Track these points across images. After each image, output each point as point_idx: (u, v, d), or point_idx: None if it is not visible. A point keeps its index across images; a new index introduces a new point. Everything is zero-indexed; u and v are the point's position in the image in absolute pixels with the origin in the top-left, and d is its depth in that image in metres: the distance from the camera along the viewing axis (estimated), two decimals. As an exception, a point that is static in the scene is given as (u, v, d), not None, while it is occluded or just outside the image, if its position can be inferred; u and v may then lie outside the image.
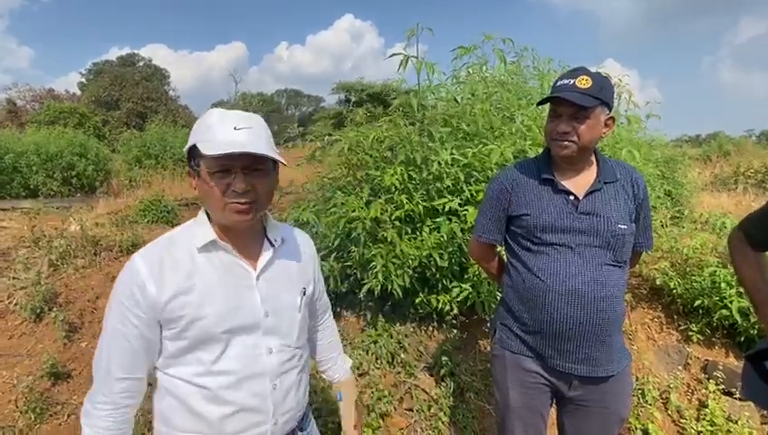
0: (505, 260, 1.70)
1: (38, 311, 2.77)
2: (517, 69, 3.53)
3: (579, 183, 1.49)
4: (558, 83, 1.46)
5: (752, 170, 9.70)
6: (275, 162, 1.05)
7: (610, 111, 1.47)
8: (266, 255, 1.11)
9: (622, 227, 1.44)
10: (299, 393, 1.17)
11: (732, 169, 10.27)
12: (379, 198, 2.72)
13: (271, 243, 1.13)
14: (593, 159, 1.53)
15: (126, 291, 0.99)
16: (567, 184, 1.49)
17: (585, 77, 1.40)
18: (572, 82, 1.41)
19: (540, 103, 1.55)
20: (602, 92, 1.40)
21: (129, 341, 1.00)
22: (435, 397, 2.56)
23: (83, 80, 30.26)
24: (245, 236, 1.09)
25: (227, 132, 0.97)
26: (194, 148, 0.99)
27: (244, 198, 0.99)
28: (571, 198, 1.47)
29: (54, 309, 2.77)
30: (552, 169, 1.53)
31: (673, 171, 6.24)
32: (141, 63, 30.83)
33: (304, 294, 1.18)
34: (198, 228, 1.07)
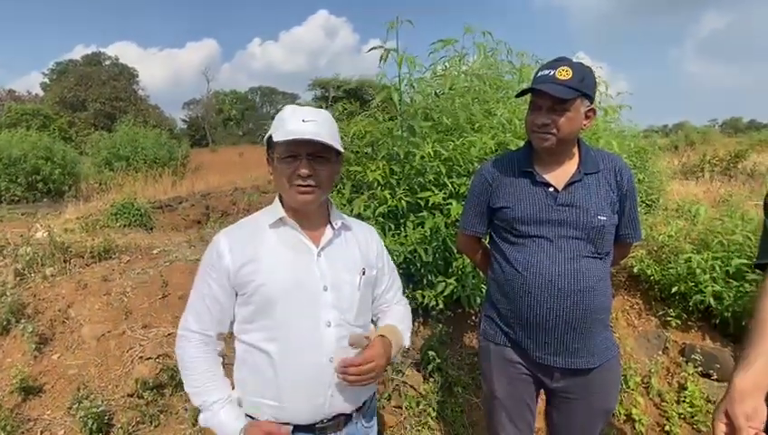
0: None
1: (4, 323, 2.62)
2: (493, 62, 3.53)
3: (559, 175, 1.48)
4: (538, 74, 1.44)
5: (717, 159, 10.07)
6: (338, 153, 1.19)
7: (592, 103, 1.45)
8: (327, 235, 1.23)
9: (602, 218, 1.43)
10: None
11: (698, 157, 10.62)
12: (362, 194, 2.69)
13: (332, 226, 1.25)
14: (575, 150, 1.52)
15: (208, 259, 1.20)
16: (547, 176, 1.48)
17: (565, 68, 1.38)
18: (552, 73, 1.39)
19: (519, 95, 1.53)
20: (583, 84, 1.38)
21: (204, 301, 1.19)
22: (423, 393, 2.55)
23: (46, 80, 29.07)
24: (311, 218, 1.23)
25: (296, 123, 1.11)
26: (270, 138, 1.15)
27: (307, 182, 1.13)
28: (551, 190, 1.46)
29: (23, 321, 2.63)
30: (532, 161, 1.52)
31: (644, 161, 6.42)
32: (108, 62, 29.81)
33: (363, 274, 1.26)
34: (272, 209, 1.24)
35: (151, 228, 6.22)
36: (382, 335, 1.23)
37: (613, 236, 1.51)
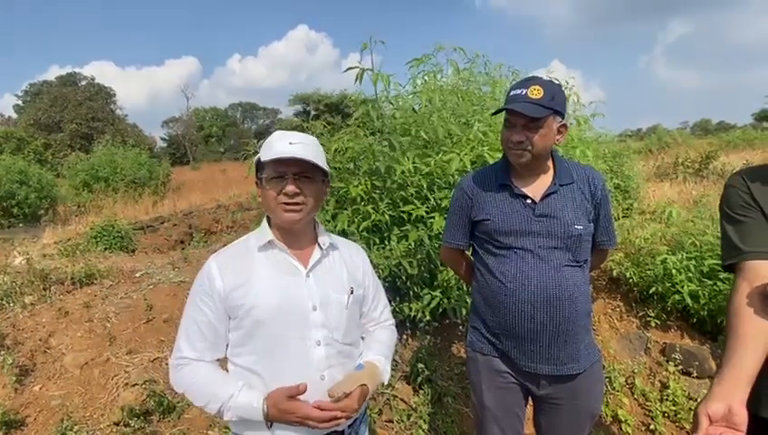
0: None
1: (-17, 356, 2.56)
2: (470, 75, 3.63)
3: (536, 187, 1.54)
4: (511, 93, 1.50)
5: (689, 160, 10.40)
6: (325, 175, 1.25)
7: (563, 119, 1.52)
8: (315, 256, 1.26)
9: (578, 227, 1.48)
10: None
11: (671, 159, 10.96)
12: (345, 209, 2.72)
13: (320, 246, 1.28)
14: (550, 163, 1.59)
15: (199, 284, 1.20)
16: (525, 189, 1.54)
17: (537, 87, 1.44)
18: (525, 92, 1.45)
19: (495, 113, 1.60)
20: (554, 101, 1.44)
21: (199, 327, 1.18)
22: (413, 405, 2.56)
23: (20, 102, 28.49)
24: (299, 239, 1.26)
25: (284, 145, 1.16)
26: (259, 161, 1.19)
27: (293, 200, 1.17)
28: (528, 201, 1.51)
29: (2, 352, 2.56)
30: (509, 174, 1.57)
31: (620, 165, 6.61)
32: (84, 83, 29.37)
33: (352, 293, 1.29)
34: (260, 232, 1.26)
35: (133, 251, 6.12)
36: (363, 385, 1.21)
37: (590, 244, 1.57)
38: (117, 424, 2.28)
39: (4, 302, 3.05)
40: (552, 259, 1.48)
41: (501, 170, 1.60)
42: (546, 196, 1.51)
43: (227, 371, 1.23)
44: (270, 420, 1.12)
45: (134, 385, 2.46)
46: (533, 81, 1.49)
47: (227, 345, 1.22)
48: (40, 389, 2.49)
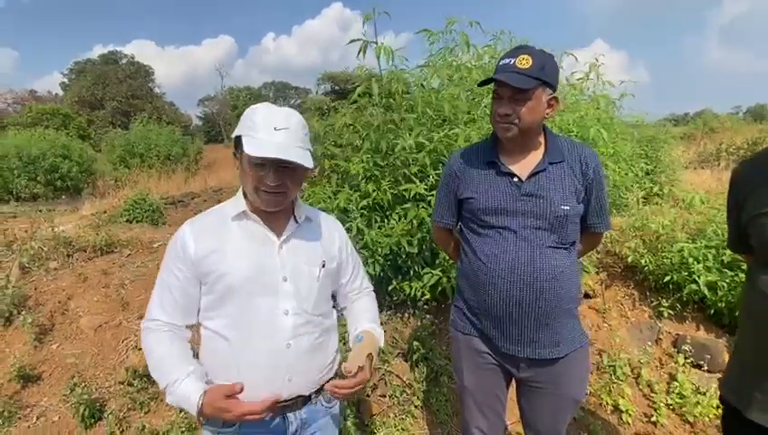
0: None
1: (7, 315, 2.75)
2: (493, 52, 3.49)
3: (524, 165, 1.47)
4: (500, 63, 1.42)
5: (734, 147, 9.75)
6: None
7: (554, 91, 1.43)
8: (290, 228, 1.27)
9: (565, 208, 1.41)
10: (317, 359, 1.29)
11: (715, 146, 10.30)
12: (345, 187, 2.71)
13: (295, 219, 1.29)
14: (541, 139, 1.51)
15: (173, 248, 1.22)
16: (512, 166, 1.47)
17: (525, 56, 1.36)
18: (513, 61, 1.37)
19: (481, 85, 1.52)
20: (543, 72, 1.36)
21: (170, 291, 1.21)
22: (408, 382, 2.58)
23: (65, 80, 29.83)
24: (274, 213, 1.24)
25: (268, 132, 1.12)
26: (239, 137, 1.16)
27: (274, 190, 1.16)
28: (515, 180, 1.45)
29: (24, 312, 2.74)
30: (497, 151, 1.51)
31: (656, 150, 6.26)
32: (125, 61, 30.37)
33: (323, 266, 1.30)
34: (235, 201, 1.27)
35: (163, 223, 6.36)
36: (369, 353, 1.27)
37: (578, 226, 1.50)
38: (121, 383, 2.41)
39: (30, 266, 3.26)
40: (536, 240, 1.43)
41: (489, 147, 1.54)
42: (534, 174, 1.44)
43: (200, 335, 1.26)
44: (203, 416, 1.11)
45: (141, 348, 2.58)
46: (523, 49, 1.40)
47: (199, 310, 1.25)
48: (57, 347, 2.66)
